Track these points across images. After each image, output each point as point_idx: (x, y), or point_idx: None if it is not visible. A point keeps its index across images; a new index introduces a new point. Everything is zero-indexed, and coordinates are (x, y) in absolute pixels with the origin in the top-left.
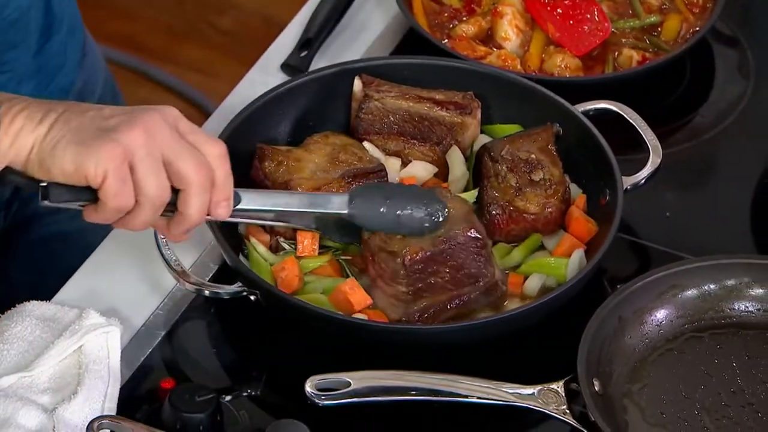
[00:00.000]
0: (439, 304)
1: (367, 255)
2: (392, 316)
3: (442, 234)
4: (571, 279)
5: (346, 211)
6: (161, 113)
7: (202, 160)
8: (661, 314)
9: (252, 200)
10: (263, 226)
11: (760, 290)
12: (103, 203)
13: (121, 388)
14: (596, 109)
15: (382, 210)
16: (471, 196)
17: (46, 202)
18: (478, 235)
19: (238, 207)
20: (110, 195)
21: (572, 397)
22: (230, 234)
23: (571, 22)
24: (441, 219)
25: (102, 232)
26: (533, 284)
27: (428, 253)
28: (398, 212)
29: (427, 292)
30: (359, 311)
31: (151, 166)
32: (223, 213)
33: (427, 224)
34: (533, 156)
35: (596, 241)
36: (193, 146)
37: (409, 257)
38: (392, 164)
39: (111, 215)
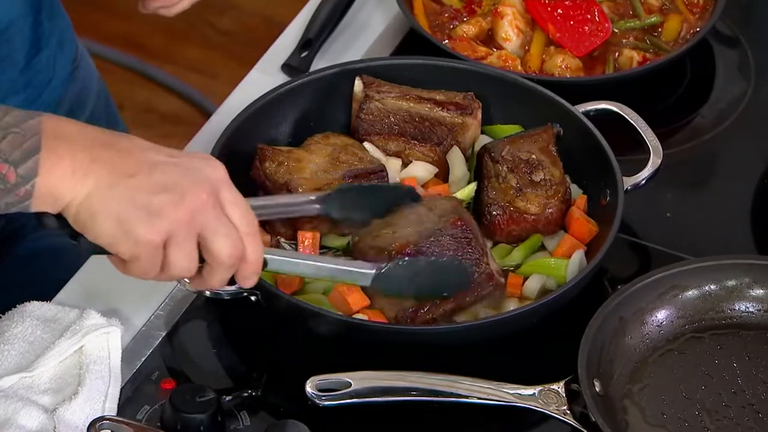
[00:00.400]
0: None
1: (357, 257)
2: (390, 314)
3: (429, 227)
4: (571, 280)
5: (369, 285)
6: (208, 188)
7: (236, 241)
8: (661, 315)
9: (278, 266)
10: (263, 227)
11: (761, 291)
12: (128, 269)
13: (121, 389)
14: (597, 110)
15: (406, 289)
16: (467, 195)
17: (74, 242)
18: (465, 225)
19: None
20: (135, 269)
21: (573, 397)
22: None
23: (572, 22)
24: (464, 287)
25: None
26: (533, 285)
27: (415, 247)
28: (421, 290)
29: None
30: (357, 311)
31: (184, 248)
32: (249, 284)
33: (446, 294)
34: (534, 156)
35: (597, 242)
36: (229, 220)
37: (395, 252)
38: (393, 165)
39: (132, 276)
